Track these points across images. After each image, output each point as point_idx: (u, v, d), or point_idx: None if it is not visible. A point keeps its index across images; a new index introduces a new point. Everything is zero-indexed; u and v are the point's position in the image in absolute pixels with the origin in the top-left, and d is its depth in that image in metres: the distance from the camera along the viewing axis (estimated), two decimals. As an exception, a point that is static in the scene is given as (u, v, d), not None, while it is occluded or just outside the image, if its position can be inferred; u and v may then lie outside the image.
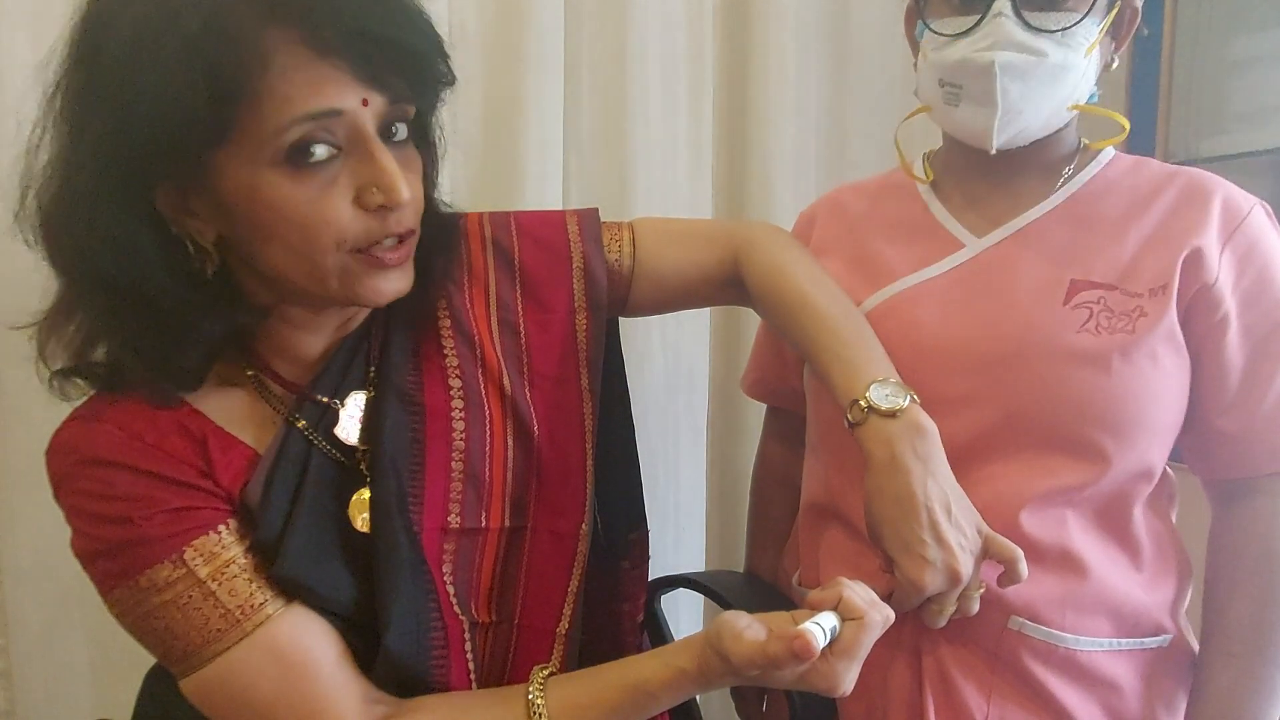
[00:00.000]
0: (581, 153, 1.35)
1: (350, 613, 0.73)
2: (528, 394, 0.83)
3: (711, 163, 1.43)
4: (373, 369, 0.79)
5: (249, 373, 0.76)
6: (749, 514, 1.22)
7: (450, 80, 0.73)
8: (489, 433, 0.80)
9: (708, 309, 1.44)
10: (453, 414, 0.79)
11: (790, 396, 1.10)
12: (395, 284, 0.71)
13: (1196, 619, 0.91)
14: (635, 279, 0.90)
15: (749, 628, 0.67)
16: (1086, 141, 0.95)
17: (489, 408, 0.81)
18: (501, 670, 0.80)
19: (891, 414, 0.78)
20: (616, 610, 0.93)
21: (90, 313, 0.69)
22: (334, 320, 0.78)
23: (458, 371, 0.80)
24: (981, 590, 0.79)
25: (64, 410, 0.73)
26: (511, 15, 1.24)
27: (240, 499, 0.72)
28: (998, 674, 0.86)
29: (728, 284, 0.93)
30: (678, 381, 1.41)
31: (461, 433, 0.79)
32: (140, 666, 0.83)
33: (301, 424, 0.75)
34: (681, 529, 1.43)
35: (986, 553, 0.78)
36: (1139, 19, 0.89)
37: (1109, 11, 0.85)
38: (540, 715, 0.71)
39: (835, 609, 0.67)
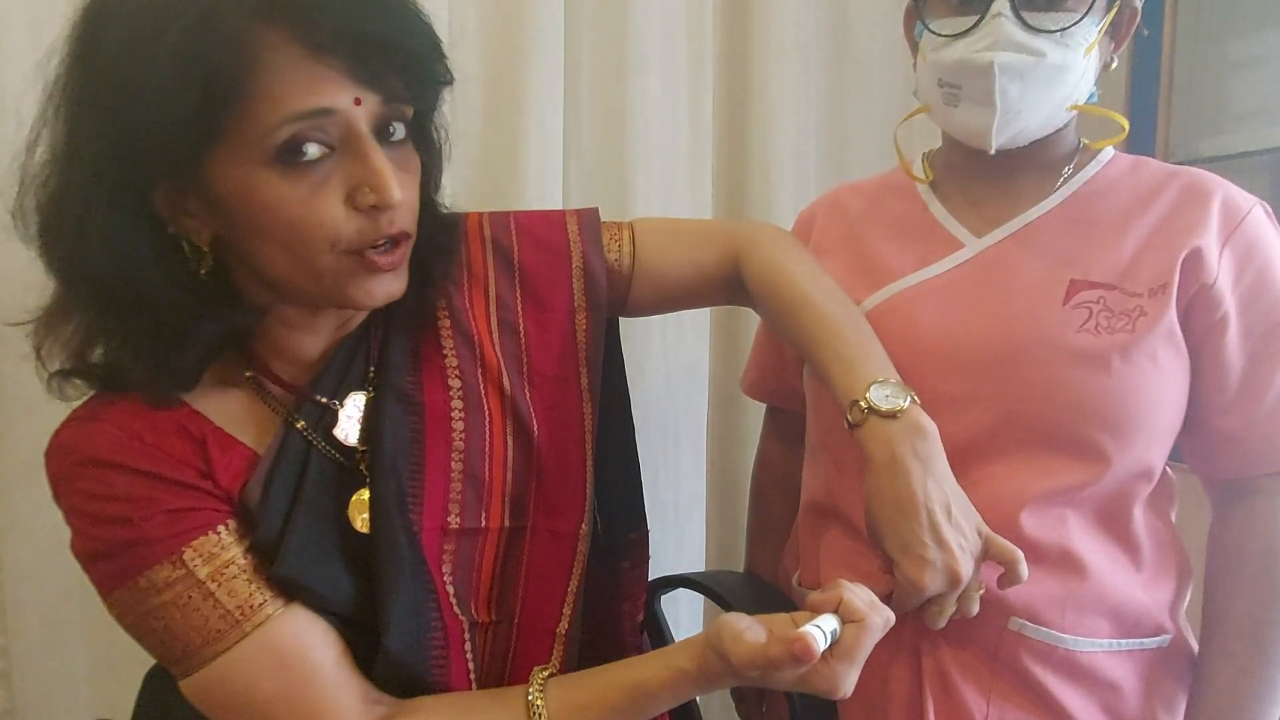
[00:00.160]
0: (581, 153, 1.35)
1: (350, 613, 0.73)
2: (527, 394, 0.83)
3: (711, 163, 1.43)
4: (372, 369, 0.79)
5: (247, 374, 0.75)
6: (749, 514, 1.22)
7: (448, 80, 0.73)
8: (489, 433, 0.80)
9: (708, 309, 1.44)
10: (452, 414, 0.79)
11: (790, 396, 1.10)
12: (387, 287, 0.71)
13: (1196, 619, 0.91)
14: (635, 279, 0.90)
15: (749, 629, 0.67)
16: (1086, 141, 0.95)
17: (488, 408, 0.81)
18: (501, 670, 0.80)
19: (891, 414, 0.78)
20: (616, 610, 0.93)
21: (87, 313, 0.69)
22: (332, 321, 0.78)
23: (457, 372, 0.80)
24: (981, 591, 0.79)
25: (64, 410, 0.73)
26: (511, 15, 1.24)
27: (239, 499, 0.72)
28: (997, 675, 0.86)
29: (727, 284, 0.93)
30: (678, 381, 1.41)
31: (461, 433, 0.79)
32: (140, 666, 0.83)
33: (301, 424, 0.75)
34: (681, 529, 1.43)
35: (986, 554, 0.78)
36: (1138, 19, 0.89)
37: (1108, 11, 0.85)
38: (540, 716, 0.71)
39: (836, 611, 0.67)
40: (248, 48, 0.61)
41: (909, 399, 0.79)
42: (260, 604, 0.69)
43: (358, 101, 0.65)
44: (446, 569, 0.77)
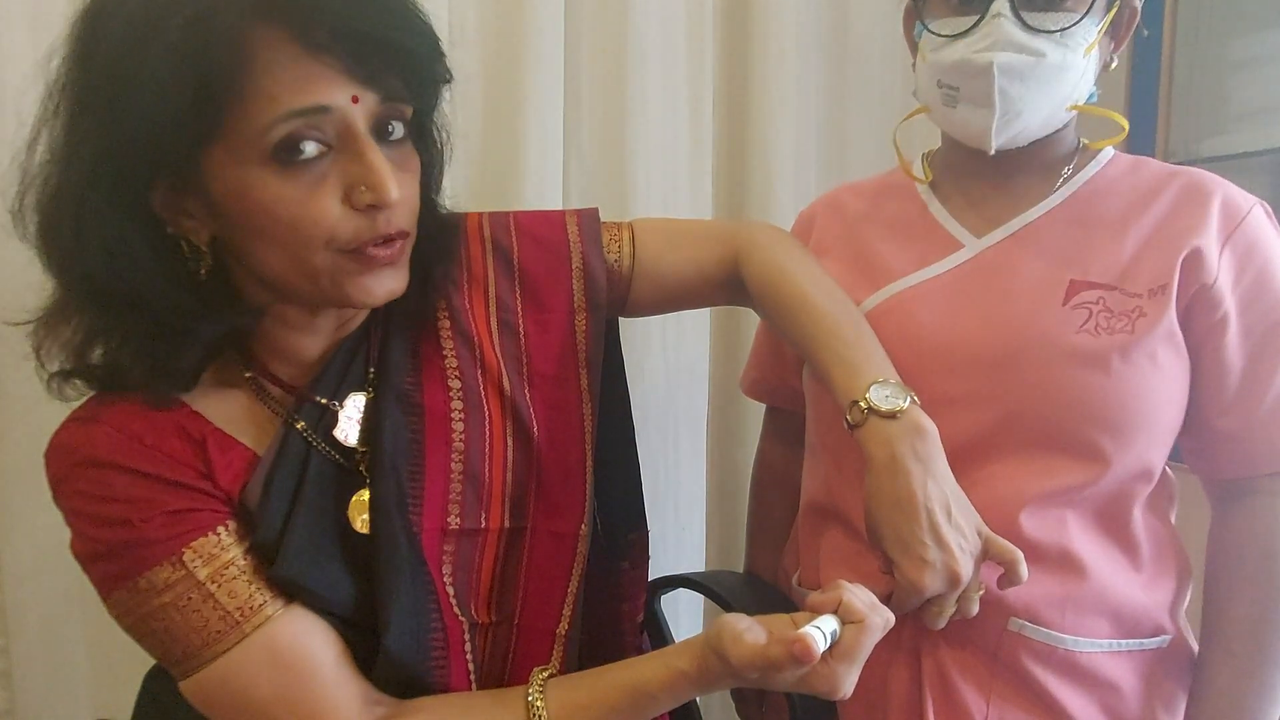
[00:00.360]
0: (581, 153, 1.35)
1: (350, 614, 0.73)
2: (527, 394, 0.83)
3: (711, 163, 1.43)
4: (372, 370, 0.79)
5: (247, 374, 0.75)
6: (749, 514, 1.22)
7: (448, 79, 0.73)
8: (488, 433, 0.80)
9: (708, 309, 1.44)
10: (452, 415, 0.79)
11: (790, 396, 1.10)
12: (387, 284, 0.71)
13: (1196, 619, 0.91)
14: (635, 279, 0.90)
15: (749, 630, 0.67)
16: (1086, 141, 0.95)
17: (488, 408, 0.81)
18: (501, 671, 0.80)
19: (891, 415, 0.78)
20: (616, 611, 0.93)
21: (87, 313, 0.69)
22: (332, 321, 0.78)
23: (457, 372, 0.80)
24: (981, 592, 0.79)
25: (64, 410, 0.73)
26: (511, 15, 1.24)
27: (239, 500, 0.72)
28: (997, 675, 0.86)
29: (727, 284, 0.93)
30: (678, 381, 1.41)
31: (461, 434, 0.79)
32: (140, 666, 0.83)
33: (300, 425, 0.75)
34: (681, 529, 1.43)
35: (986, 554, 0.78)
36: (1138, 19, 0.89)
37: (1108, 11, 0.85)
38: (540, 716, 0.71)
39: (835, 612, 0.67)
40: (244, 46, 0.61)
41: (909, 399, 0.79)
42: (260, 605, 0.69)
43: (355, 100, 0.65)
44: (446, 570, 0.77)
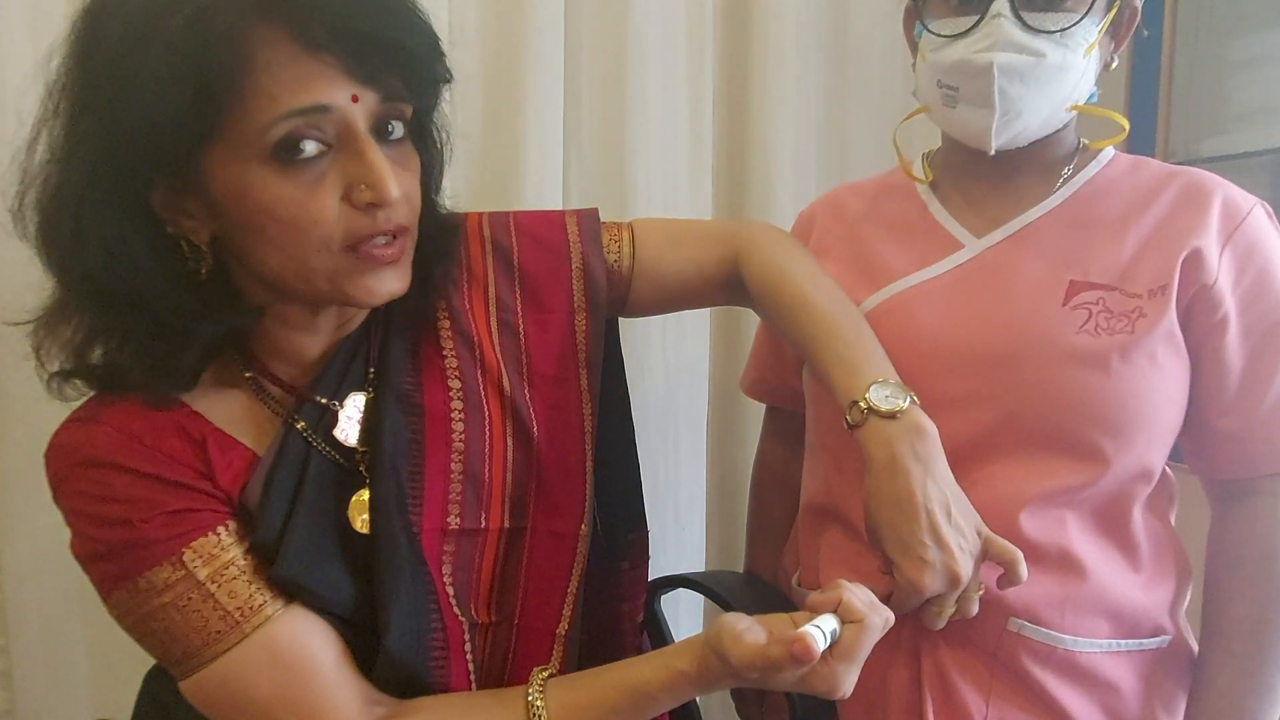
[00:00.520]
0: (581, 153, 1.35)
1: (350, 614, 0.73)
2: (527, 395, 0.83)
3: (711, 163, 1.43)
4: (372, 370, 0.79)
5: (247, 374, 0.75)
6: (749, 514, 1.22)
7: (447, 79, 0.73)
8: (488, 434, 0.80)
9: (708, 309, 1.44)
10: (452, 415, 0.79)
11: (790, 396, 1.10)
12: (389, 284, 0.71)
13: (1197, 619, 0.91)
14: (635, 279, 0.90)
15: (749, 630, 0.67)
16: (1086, 142, 0.95)
17: (488, 409, 0.81)
18: (501, 671, 0.81)
19: (891, 415, 0.78)
20: (616, 611, 0.93)
21: (86, 313, 0.69)
22: (332, 321, 0.78)
23: (457, 372, 0.80)
24: (981, 592, 0.79)
25: (64, 410, 0.73)
26: (511, 15, 1.24)
27: (239, 500, 0.72)
28: (997, 675, 0.86)
29: (727, 284, 0.93)
30: (678, 381, 1.41)
31: (461, 434, 0.79)
32: (140, 666, 0.83)
33: (300, 425, 0.75)
34: (681, 529, 1.43)
35: (986, 554, 0.78)
36: (1138, 19, 0.89)
37: (1108, 11, 0.85)
38: (540, 716, 0.71)
39: (835, 612, 0.67)
40: (243, 44, 0.61)
41: (908, 399, 0.79)
42: (260, 605, 0.69)
43: (355, 99, 0.65)
44: (446, 570, 0.77)
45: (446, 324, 0.82)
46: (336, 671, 0.71)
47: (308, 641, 0.71)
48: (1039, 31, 0.82)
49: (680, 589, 1.09)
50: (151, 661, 0.75)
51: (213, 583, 0.68)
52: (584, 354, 0.85)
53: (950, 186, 0.98)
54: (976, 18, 0.83)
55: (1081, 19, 0.82)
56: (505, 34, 1.25)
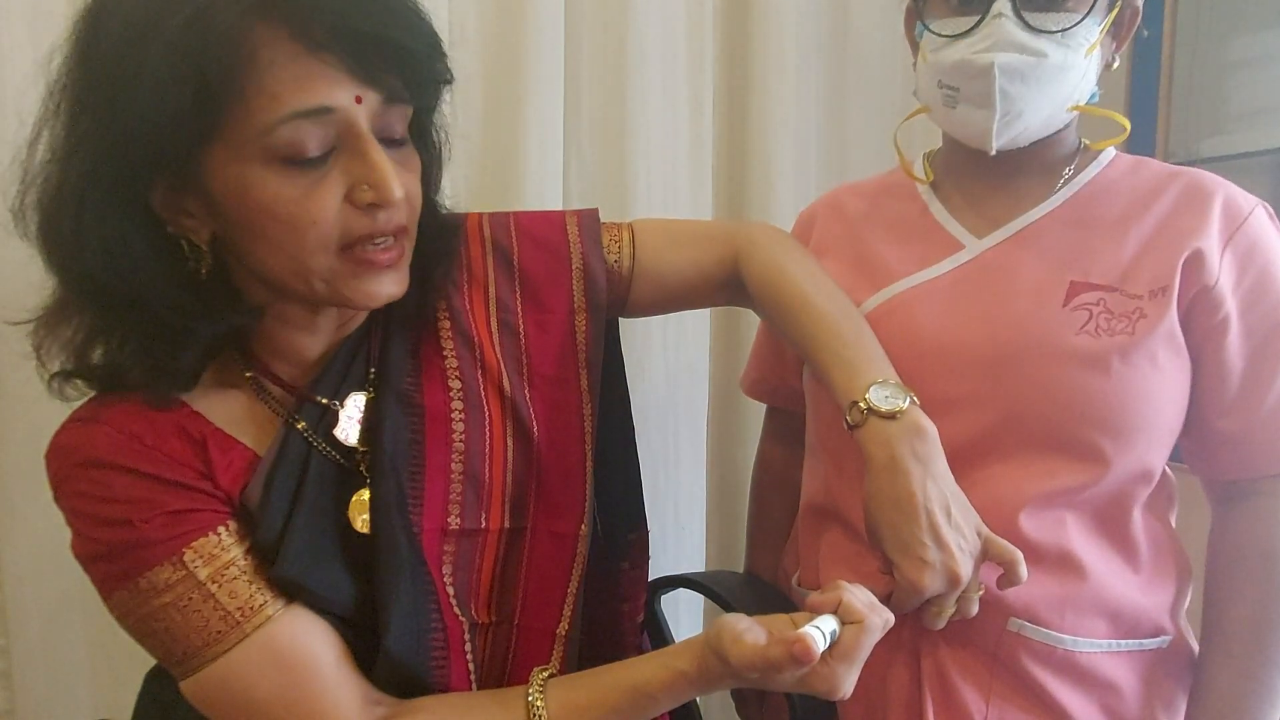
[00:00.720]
0: (581, 153, 1.35)
1: (350, 613, 0.73)
2: (527, 395, 0.83)
3: (711, 163, 1.43)
4: (372, 370, 0.79)
5: (247, 374, 0.75)
6: (749, 514, 1.22)
7: (448, 79, 0.73)
8: (488, 434, 0.80)
9: (708, 309, 1.44)
10: (452, 415, 0.79)
11: (790, 397, 1.10)
12: (388, 287, 0.71)
13: (1197, 620, 0.91)
14: (635, 280, 0.90)
15: (749, 631, 0.67)
16: (1087, 142, 0.95)
17: (488, 409, 0.81)
18: (501, 671, 0.81)
19: (891, 415, 0.78)
20: (616, 611, 0.93)
21: (87, 313, 0.70)
22: (332, 321, 0.78)
23: (457, 373, 0.80)
24: (980, 592, 0.79)
25: (64, 410, 0.73)
26: (511, 15, 1.24)
27: (240, 500, 0.72)
28: (997, 675, 0.86)
29: (727, 285, 0.93)
30: (678, 381, 1.41)
31: (461, 434, 0.79)
32: (140, 666, 0.83)
33: (301, 425, 0.75)
34: (681, 529, 1.43)
35: (986, 554, 0.78)
36: (1139, 19, 0.89)
37: (1109, 11, 0.85)
38: (540, 716, 0.71)
39: (835, 612, 0.67)
40: (243, 44, 0.61)
41: (908, 400, 0.79)
42: (261, 605, 0.69)
43: (358, 99, 0.65)
44: (446, 570, 0.77)
45: (447, 324, 0.82)
46: (337, 671, 0.71)
47: (308, 641, 0.71)
48: (1040, 31, 0.82)
49: (680, 589, 1.09)
50: (152, 661, 0.75)
51: (213, 583, 0.68)
52: (584, 354, 0.85)
53: (951, 187, 0.97)
54: (977, 18, 0.83)
55: (1083, 19, 0.82)
56: (505, 34, 1.25)
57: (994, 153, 0.87)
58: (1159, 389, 0.84)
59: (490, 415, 0.80)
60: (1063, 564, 0.85)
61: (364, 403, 0.78)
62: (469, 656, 0.77)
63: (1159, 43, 1.43)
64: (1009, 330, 0.86)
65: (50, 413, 0.72)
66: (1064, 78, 0.84)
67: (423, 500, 0.76)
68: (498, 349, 0.83)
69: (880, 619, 0.67)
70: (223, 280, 0.71)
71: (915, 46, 0.93)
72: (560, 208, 1.21)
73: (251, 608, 0.69)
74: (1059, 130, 0.90)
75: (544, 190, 1.27)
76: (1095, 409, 0.83)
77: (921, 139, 1.09)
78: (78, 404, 0.73)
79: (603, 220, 0.91)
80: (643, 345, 1.37)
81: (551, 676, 0.75)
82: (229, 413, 0.74)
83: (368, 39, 0.64)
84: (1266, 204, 0.88)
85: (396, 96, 0.67)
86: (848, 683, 0.66)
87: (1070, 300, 0.85)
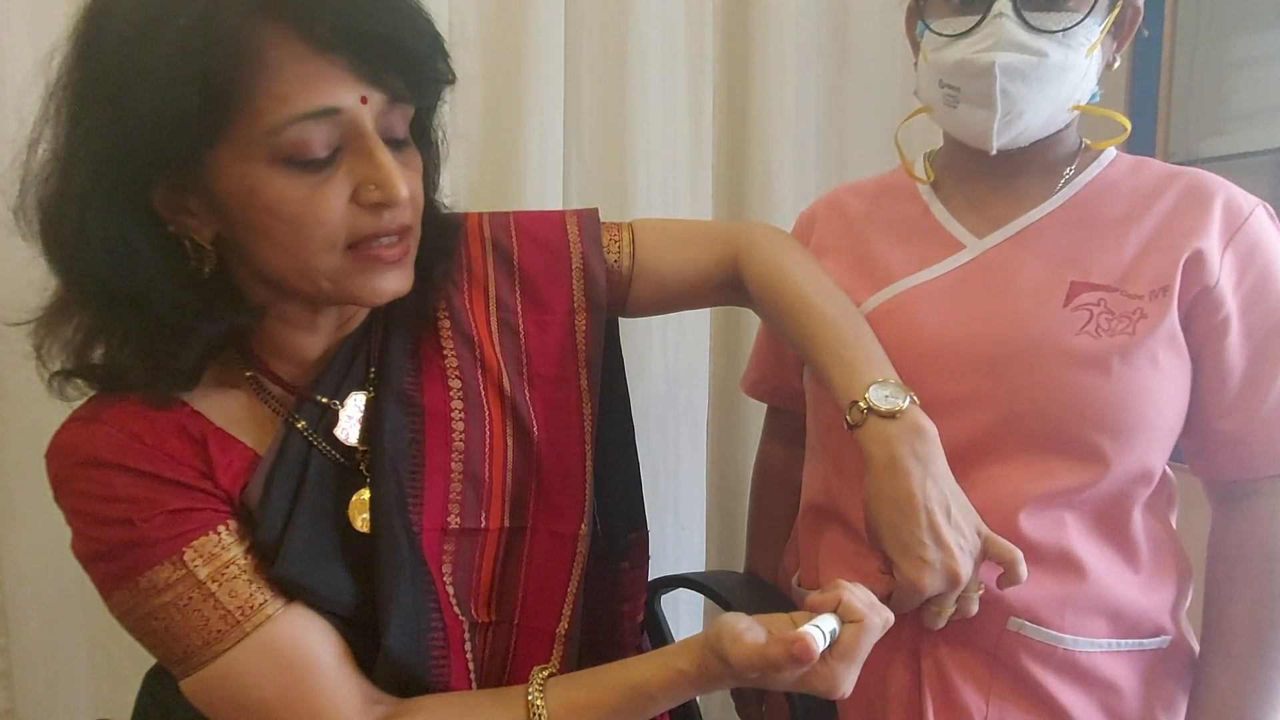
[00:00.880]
0: (581, 153, 1.35)
1: (350, 613, 0.73)
2: (527, 394, 0.83)
3: (711, 163, 1.43)
4: (372, 370, 0.79)
5: (248, 374, 0.75)
6: (749, 514, 1.22)
7: (450, 79, 0.73)
8: (488, 433, 0.80)
9: (708, 309, 1.44)
10: (452, 415, 0.79)
11: (790, 397, 1.10)
12: (394, 284, 0.71)
13: (1198, 620, 0.91)
14: (635, 280, 0.90)
15: (748, 630, 0.67)
16: (1088, 142, 0.95)
17: (488, 408, 0.81)
18: (501, 670, 0.81)
19: (891, 415, 0.78)
20: (616, 610, 0.93)
21: (88, 312, 0.70)
22: (333, 321, 0.78)
23: (457, 372, 0.80)
24: (980, 591, 0.79)
25: (64, 410, 0.73)
26: (511, 15, 1.24)
27: (240, 500, 0.72)
28: (997, 675, 0.86)
29: (727, 285, 0.93)
30: (678, 381, 1.41)
31: (461, 433, 0.79)
32: (140, 666, 0.83)
33: (301, 425, 0.75)
34: (681, 529, 1.43)
35: (986, 554, 0.78)
36: (1140, 19, 0.89)
37: (1110, 11, 0.85)
38: (540, 716, 0.71)
39: (835, 611, 0.67)
40: (249, 44, 0.61)
41: (908, 399, 0.79)
42: (261, 604, 0.69)
43: (363, 100, 0.65)
44: (446, 569, 0.77)
45: (447, 324, 0.82)
46: (337, 670, 0.71)
47: (308, 640, 0.71)
48: (1041, 31, 0.82)
49: (680, 589, 1.09)
50: (152, 661, 0.75)
51: (213, 582, 0.68)
52: (584, 354, 0.85)
53: (952, 187, 0.97)
54: (978, 17, 0.83)
55: (1084, 19, 0.82)
56: (505, 34, 1.25)
57: (995, 152, 0.87)
58: (1159, 389, 0.84)
59: (490, 415, 0.80)
60: (1062, 564, 0.85)
61: (364, 402, 0.78)
62: (469, 656, 0.77)
63: (1159, 43, 1.43)
64: (1009, 330, 0.86)
65: (50, 413, 0.72)
66: (1065, 77, 0.84)
67: (423, 500, 0.76)
68: (498, 349, 0.83)
69: (880, 618, 0.67)
70: (224, 280, 0.71)
71: (916, 46, 0.93)
72: (560, 208, 1.21)
73: (251, 607, 0.69)
74: (1060, 130, 0.90)
75: (544, 190, 1.27)
76: (1095, 409, 0.83)
77: (922, 139, 1.09)
78: (78, 404, 0.73)
79: (603, 220, 0.91)
80: (643, 345, 1.37)
81: (551, 676, 0.75)
82: (229, 412, 0.74)
83: (373, 39, 0.64)
84: (1267, 204, 0.88)
85: (400, 97, 0.67)
86: (847, 682, 0.66)
87: (1071, 300, 0.85)
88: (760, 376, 1.17)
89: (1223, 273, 0.84)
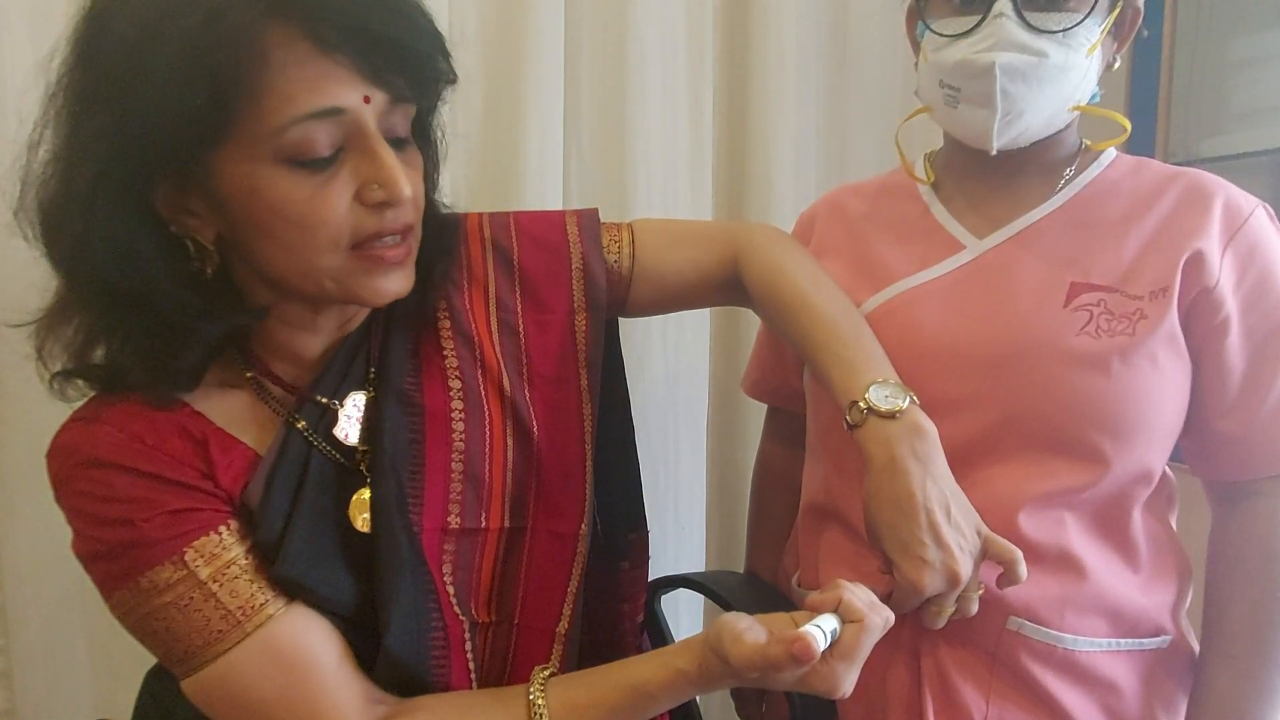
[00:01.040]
0: (581, 153, 1.35)
1: (350, 613, 0.73)
2: (527, 395, 0.83)
3: (711, 163, 1.43)
4: (372, 370, 0.79)
5: (248, 374, 0.76)
6: (749, 514, 1.22)
7: (451, 79, 0.73)
8: (488, 433, 0.80)
9: (708, 309, 1.44)
10: (452, 415, 0.79)
11: (790, 397, 1.10)
12: (397, 284, 0.72)
13: (1198, 620, 0.91)
14: (635, 280, 0.90)
15: (749, 630, 0.67)
16: (1088, 142, 0.95)
17: (488, 408, 0.81)
18: (501, 670, 0.81)
19: (891, 415, 0.78)
20: (616, 610, 0.93)
21: (89, 312, 0.70)
22: (334, 321, 0.78)
23: (457, 372, 0.80)
24: (980, 591, 0.79)
25: (65, 410, 0.73)
26: (511, 15, 1.24)
27: (241, 500, 0.72)
28: (996, 674, 0.86)
29: (727, 285, 0.93)
30: (678, 381, 1.41)
31: (461, 433, 0.79)
32: (140, 666, 0.83)
33: (301, 425, 0.75)
34: (681, 529, 1.43)
35: (986, 554, 0.78)
36: (1140, 19, 0.89)
37: (1110, 12, 0.85)
38: (541, 715, 0.71)
39: (835, 611, 0.67)
40: (255, 46, 0.61)
41: (908, 399, 0.79)
42: (261, 604, 0.69)
43: (367, 100, 0.65)
44: (446, 569, 0.77)
45: (447, 324, 0.82)
46: (337, 670, 0.71)
47: (309, 640, 0.71)
48: (1041, 31, 0.82)
49: (680, 589, 1.09)
50: (152, 661, 0.75)
51: (214, 582, 0.68)
52: (584, 354, 0.85)
53: (952, 187, 0.97)
54: (979, 17, 0.83)
55: (1084, 19, 0.82)
56: (505, 34, 1.25)
57: (995, 153, 0.87)
58: (1159, 390, 0.84)
59: (490, 415, 0.81)
60: (1062, 564, 0.85)
61: (364, 402, 0.78)
62: (469, 655, 0.78)
63: (1159, 43, 1.43)
64: (1009, 331, 0.86)
65: (51, 413, 0.72)
66: (1065, 78, 0.84)
67: (423, 500, 0.76)
68: (498, 349, 0.83)
69: (880, 618, 0.67)
70: (226, 280, 0.71)
71: (916, 46, 0.93)
72: (560, 208, 1.21)
73: (252, 607, 0.69)
74: (1060, 130, 0.90)
75: (544, 190, 1.27)
76: (1095, 410, 0.83)
77: (922, 139, 1.09)
78: (79, 404, 0.73)
79: (602, 220, 0.91)
80: (643, 345, 1.37)
81: (552, 675, 0.75)
82: (230, 412, 0.74)
83: (376, 39, 0.64)
84: (1267, 205, 0.88)
85: (402, 96, 0.68)
86: (848, 682, 0.67)
87: (1071, 301, 0.85)
88: (760, 376, 1.17)
89: (1223, 273, 0.84)
